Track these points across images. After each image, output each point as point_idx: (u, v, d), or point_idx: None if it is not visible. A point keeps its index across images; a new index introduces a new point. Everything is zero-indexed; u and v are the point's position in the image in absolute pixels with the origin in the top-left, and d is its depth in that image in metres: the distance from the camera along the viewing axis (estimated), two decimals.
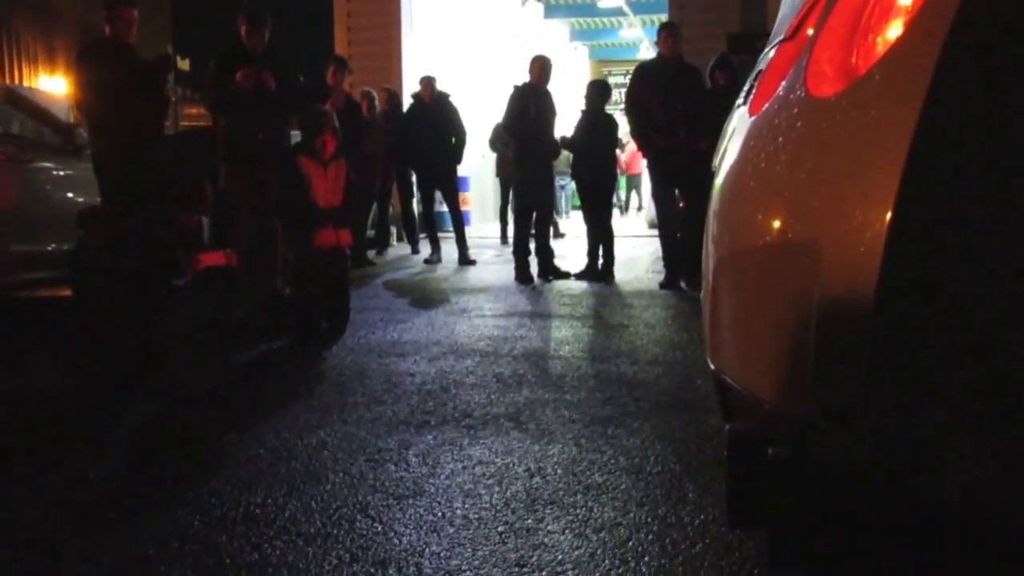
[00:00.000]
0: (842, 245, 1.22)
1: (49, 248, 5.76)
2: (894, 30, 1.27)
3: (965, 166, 1.15)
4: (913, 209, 1.15)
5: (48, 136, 6.21)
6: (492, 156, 11.84)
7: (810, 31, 1.53)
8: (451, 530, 2.33)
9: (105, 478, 2.80)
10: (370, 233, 9.95)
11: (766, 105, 1.57)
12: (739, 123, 1.75)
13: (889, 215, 1.16)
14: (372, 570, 2.10)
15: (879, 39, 1.30)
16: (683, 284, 6.96)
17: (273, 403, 3.63)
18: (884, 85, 1.25)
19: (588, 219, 7.87)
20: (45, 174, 5.98)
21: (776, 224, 1.41)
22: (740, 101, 1.85)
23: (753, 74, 1.85)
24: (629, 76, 7.55)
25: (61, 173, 6.07)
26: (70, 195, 6.05)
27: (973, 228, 1.14)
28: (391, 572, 2.09)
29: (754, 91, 1.72)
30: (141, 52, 5.77)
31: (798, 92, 1.45)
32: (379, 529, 2.34)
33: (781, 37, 1.73)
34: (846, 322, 1.20)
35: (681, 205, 7.18)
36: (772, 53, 1.75)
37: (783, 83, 1.53)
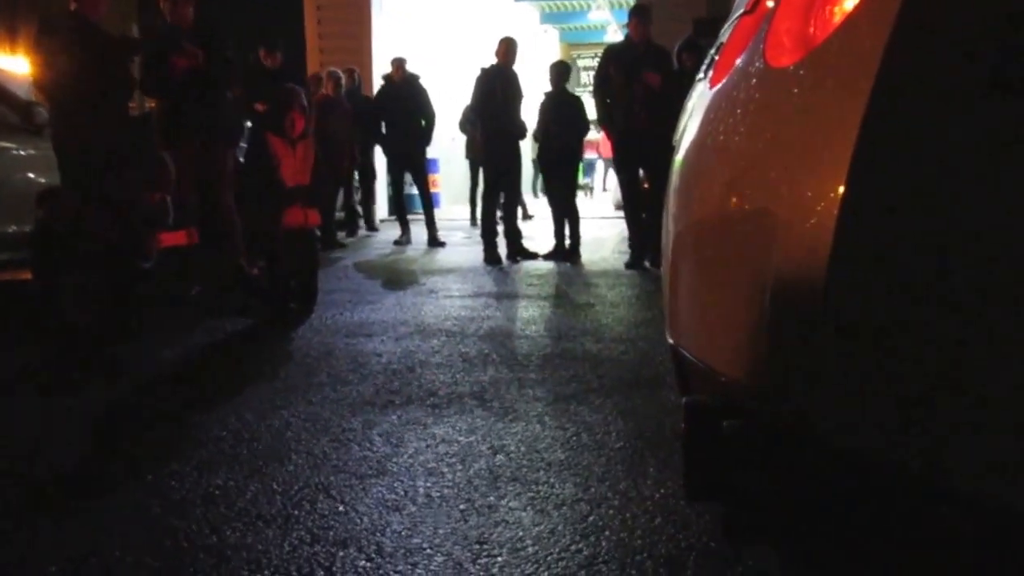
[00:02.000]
0: (797, 216, 1.21)
1: (9, 230, 5.65)
2: (851, 0, 1.26)
3: (918, 135, 1.14)
4: (866, 179, 1.14)
5: (7, 115, 6.08)
6: (462, 138, 11.79)
7: (769, 3, 1.51)
8: (413, 508, 2.32)
9: (64, 461, 2.76)
10: (339, 215, 9.89)
11: (725, 78, 1.56)
12: (699, 97, 1.74)
13: (843, 186, 1.15)
14: (332, 550, 2.09)
15: (836, 9, 1.29)
16: (648, 264, 6.99)
17: (238, 384, 3.60)
18: (840, 54, 1.24)
19: (553, 200, 7.86)
20: (3, 154, 5.86)
21: (733, 196, 1.41)
22: (700, 75, 1.84)
23: (714, 48, 1.84)
24: (598, 59, 7.54)
25: (21, 153, 5.95)
26: (31, 175, 5.92)
27: (926, 198, 1.13)
28: (351, 552, 2.08)
29: (714, 64, 1.71)
30: (107, 32, 5.65)
31: (756, 63, 1.43)
32: (340, 509, 2.33)
33: (741, 10, 1.71)
34: (800, 293, 1.20)
35: (646, 186, 7.19)
36: (732, 27, 1.74)
37: (742, 55, 1.52)
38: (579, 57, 22.34)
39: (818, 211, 1.17)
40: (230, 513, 2.30)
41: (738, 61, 1.53)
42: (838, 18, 1.28)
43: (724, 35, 1.81)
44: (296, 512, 2.31)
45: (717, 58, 1.72)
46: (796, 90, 1.31)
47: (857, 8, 1.24)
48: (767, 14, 1.48)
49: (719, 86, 1.58)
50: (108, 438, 3.01)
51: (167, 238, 4.97)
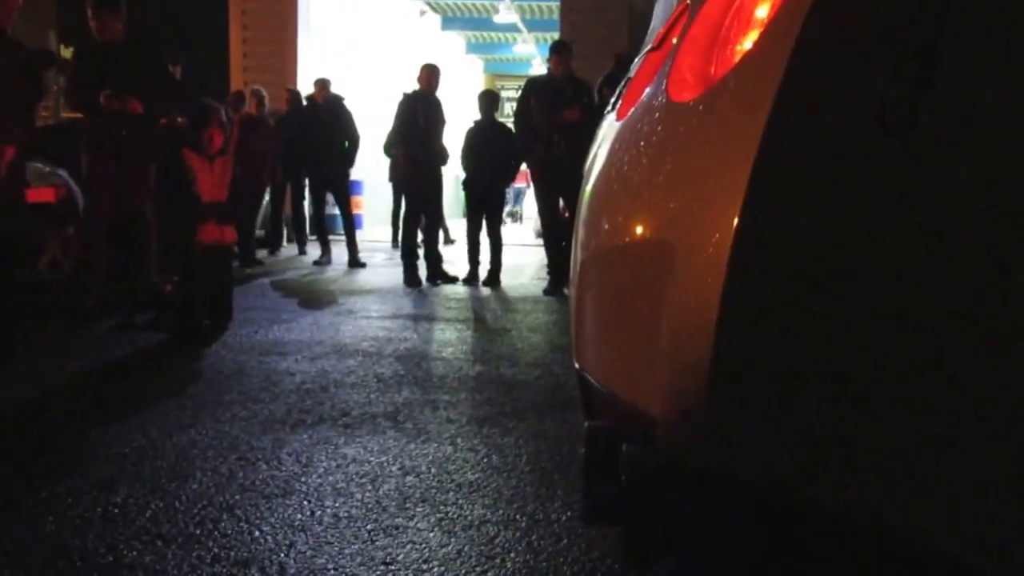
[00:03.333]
0: (693, 247, 1.25)
1: None
2: (750, 40, 1.32)
3: (807, 172, 1.19)
4: (758, 213, 1.19)
5: None
6: (386, 161, 11.78)
7: (675, 40, 1.57)
8: (319, 529, 2.31)
9: None
10: (260, 233, 9.76)
11: (631, 110, 1.61)
12: (608, 129, 1.79)
13: (736, 219, 1.20)
14: (233, 571, 2.06)
15: (737, 48, 1.35)
16: (566, 291, 7.06)
17: (145, 400, 3.53)
18: (736, 91, 1.29)
19: (472, 226, 7.82)
20: None
21: (634, 225, 1.45)
22: (609, 108, 1.89)
23: (623, 82, 1.90)
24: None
25: None
26: None
27: (815, 232, 1.18)
28: (253, 572, 2.05)
29: (622, 97, 1.76)
30: (19, 40, 5.50)
31: (660, 97, 1.49)
32: (244, 529, 2.30)
33: (650, 46, 1.78)
34: (693, 322, 1.24)
35: (566, 215, 7.30)
36: (640, 61, 1.80)
37: (647, 89, 1.58)
38: (503, 88, 22.57)
39: (712, 243, 1.21)
40: (129, 531, 2.25)
41: (643, 95, 1.58)
42: (738, 57, 1.34)
43: (633, 70, 1.88)
44: (198, 531, 2.27)
45: (624, 92, 1.78)
46: (695, 124, 1.36)
47: (754, 47, 1.30)
48: (672, 50, 1.54)
49: (625, 119, 1.63)
50: (1, 451, 2.91)
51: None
